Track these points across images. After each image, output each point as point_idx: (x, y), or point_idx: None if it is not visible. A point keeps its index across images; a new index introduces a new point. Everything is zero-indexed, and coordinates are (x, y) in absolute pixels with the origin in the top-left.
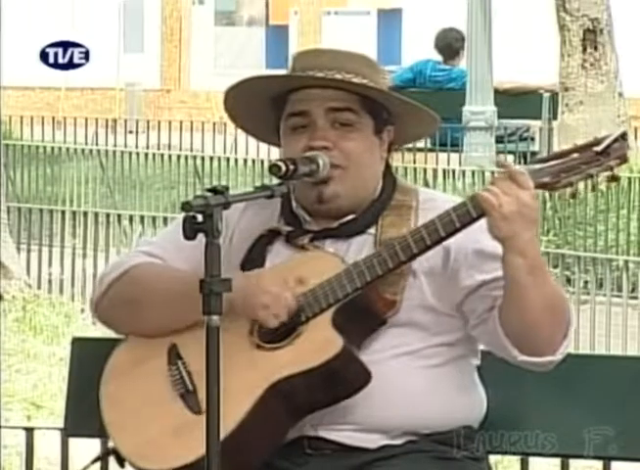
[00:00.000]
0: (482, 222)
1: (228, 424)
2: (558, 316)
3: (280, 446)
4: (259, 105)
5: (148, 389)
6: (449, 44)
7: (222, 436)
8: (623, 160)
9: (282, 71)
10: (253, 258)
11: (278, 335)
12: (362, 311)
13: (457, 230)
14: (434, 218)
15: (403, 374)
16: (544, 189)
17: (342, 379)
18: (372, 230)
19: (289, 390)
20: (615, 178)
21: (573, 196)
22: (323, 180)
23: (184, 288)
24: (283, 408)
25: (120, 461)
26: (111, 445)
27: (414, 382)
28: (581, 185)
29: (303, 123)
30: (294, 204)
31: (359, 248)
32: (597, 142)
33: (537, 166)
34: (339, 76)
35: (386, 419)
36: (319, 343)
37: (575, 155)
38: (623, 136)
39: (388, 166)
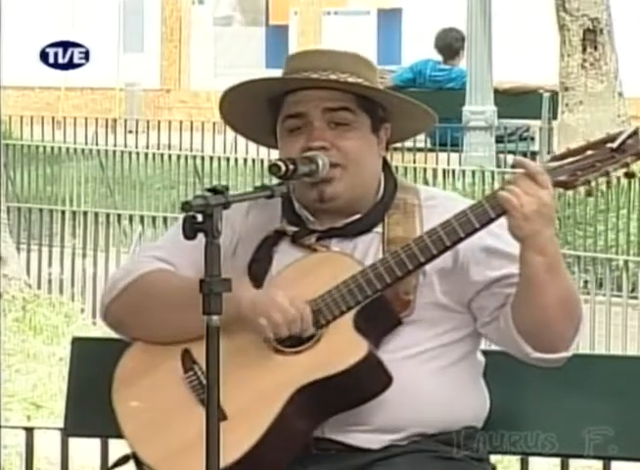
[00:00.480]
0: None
1: (255, 431)
2: (571, 312)
3: (302, 447)
4: (256, 108)
5: (166, 396)
6: (449, 44)
7: (250, 443)
8: (639, 156)
9: (281, 72)
10: (260, 260)
11: (296, 339)
12: (380, 313)
13: (476, 230)
14: (450, 219)
15: (414, 376)
16: (562, 187)
17: (367, 382)
18: (378, 229)
19: (315, 394)
20: (631, 174)
21: (589, 194)
22: (324, 180)
23: (196, 298)
24: (308, 413)
25: (140, 467)
26: (128, 450)
27: (424, 384)
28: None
29: (300, 125)
30: (295, 204)
31: (366, 247)
32: (611, 139)
33: (554, 165)
34: (334, 77)
35: (395, 421)
36: (343, 346)
37: (590, 152)
38: (636, 132)
39: (387, 165)
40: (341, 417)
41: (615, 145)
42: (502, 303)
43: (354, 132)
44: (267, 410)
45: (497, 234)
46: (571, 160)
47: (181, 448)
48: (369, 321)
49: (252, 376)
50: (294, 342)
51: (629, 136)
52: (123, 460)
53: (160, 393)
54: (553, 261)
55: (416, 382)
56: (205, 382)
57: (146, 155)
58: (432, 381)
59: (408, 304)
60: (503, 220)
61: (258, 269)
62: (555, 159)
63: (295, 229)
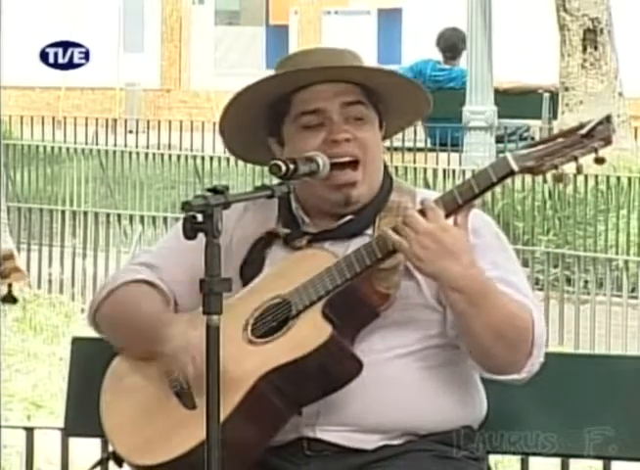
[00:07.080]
0: (474, 221)
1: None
2: (510, 338)
3: (274, 438)
4: (252, 116)
5: (146, 390)
6: (455, 44)
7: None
8: (608, 141)
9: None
10: (252, 262)
11: (271, 330)
12: (355, 304)
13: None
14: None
15: (402, 375)
16: (529, 173)
17: (333, 368)
18: (369, 231)
19: (279, 381)
20: (600, 160)
21: (559, 179)
22: (348, 183)
23: (153, 328)
24: (275, 400)
25: (119, 462)
26: (110, 448)
27: (412, 383)
28: (581, 184)
29: (318, 121)
30: (293, 205)
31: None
32: (582, 126)
33: (523, 152)
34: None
35: (382, 420)
36: (308, 333)
37: (560, 139)
38: (608, 119)
39: (385, 166)
40: (329, 416)
41: (584, 131)
42: None
43: (369, 126)
44: (232, 398)
45: (480, 234)
46: (540, 147)
47: (149, 439)
48: (342, 312)
49: (223, 367)
50: (267, 332)
51: (600, 122)
52: (107, 459)
53: (141, 389)
54: (473, 295)
55: (402, 381)
56: (180, 375)
57: (146, 155)
58: (418, 381)
59: (387, 297)
60: (491, 221)
61: (250, 271)
62: (527, 146)
63: (287, 231)
